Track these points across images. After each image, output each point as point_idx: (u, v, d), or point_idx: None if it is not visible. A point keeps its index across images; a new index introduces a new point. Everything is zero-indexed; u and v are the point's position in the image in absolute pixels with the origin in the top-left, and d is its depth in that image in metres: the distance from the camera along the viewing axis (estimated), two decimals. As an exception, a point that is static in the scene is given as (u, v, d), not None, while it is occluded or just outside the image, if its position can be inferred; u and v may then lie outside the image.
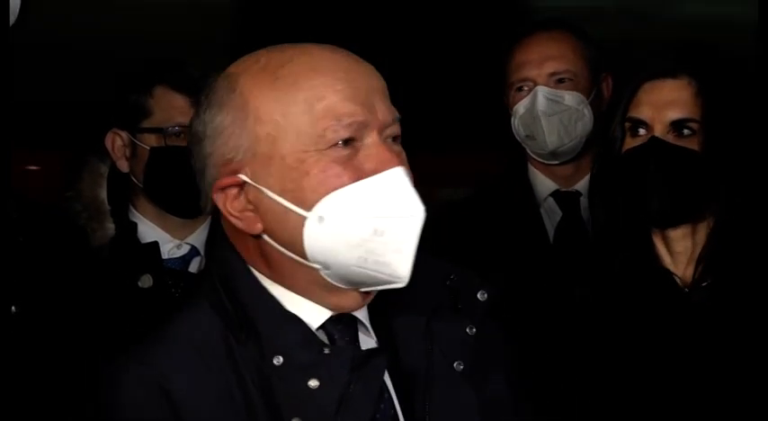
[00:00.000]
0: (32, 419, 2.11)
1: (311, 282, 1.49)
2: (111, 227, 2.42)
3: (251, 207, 1.48)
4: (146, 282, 2.34)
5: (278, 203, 1.46)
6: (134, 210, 2.49)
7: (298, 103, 1.45)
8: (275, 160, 1.45)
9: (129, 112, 2.44)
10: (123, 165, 2.46)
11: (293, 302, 1.50)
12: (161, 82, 2.42)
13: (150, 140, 2.42)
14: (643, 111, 2.14)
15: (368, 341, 1.54)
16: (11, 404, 2.00)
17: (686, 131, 2.11)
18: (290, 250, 1.47)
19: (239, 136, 1.47)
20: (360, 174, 1.45)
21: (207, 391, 1.44)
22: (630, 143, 2.15)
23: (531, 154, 2.93)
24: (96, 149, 2.48)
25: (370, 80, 1.49)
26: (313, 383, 1.43)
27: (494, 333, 1.63)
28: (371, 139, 1.46)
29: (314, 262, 1.46)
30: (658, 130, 2.12)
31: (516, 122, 2.91)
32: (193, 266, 2.47)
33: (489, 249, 2.74)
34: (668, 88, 2.14)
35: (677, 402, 2.08)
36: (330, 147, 1.44)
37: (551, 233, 2.86)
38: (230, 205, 1.49)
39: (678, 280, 2.15)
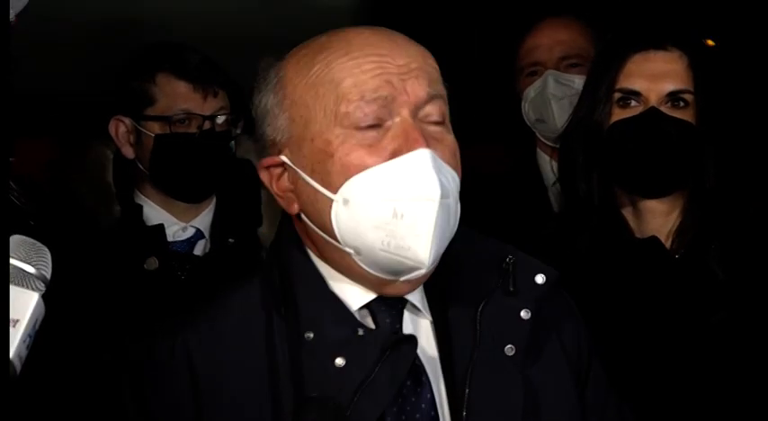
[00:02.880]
0: (40, 398, 2.16)
1: (351, 269, 1.51)
2: (117, 209, 2.43)
3: (291, 187, 1.52)
4: (151, 264, 2.36)
5: (310, 185, 1.49)
6: (139, 194, 2.50)
7: (326, 83, 1.48)
8: (306, 142, 1.50)
9: (133, 100, 2.44)
10: (128, 152, 2.47)
11: (338, 281, 1.53)
12: (163, 69, 2.42)
13: (155, 128, 2.42)
14: (636, 82, 2.15)
15: (420, 323, 1.56)
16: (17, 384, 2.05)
17: (681, 103, 2.13)
18: (324, 232, 1.50)
19: (279, 118, 1.53)
20: (384, 157, 1.46)
21: (233, 365, 1.49)
22: (621, 114, 2.16)
23: (541, 137, 2.96)
24: (100, 134, 2.49)
25: (406, 59, 1.49)
26: (339, 362, 1.46)
27: (557, 317, 1.64)
28: (400, 118, 1.47)
29: (345, 245, 1.49)
30: (653, 101, 2.13)
31: (526, 106, 2.94)
32: (198, 249, 2.48)
33: (496, 233, 2.75)
34: (661, 60, 2.16)
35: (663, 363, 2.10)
36: (356, 128, 1.46)
37: (559, 217, 2.85)
38: (276, 184, 1.55)
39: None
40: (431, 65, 1.53)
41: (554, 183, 2.90)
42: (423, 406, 1.51)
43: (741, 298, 2.10)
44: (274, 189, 1.56)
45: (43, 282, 1.34)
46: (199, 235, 2.49)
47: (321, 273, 1.54)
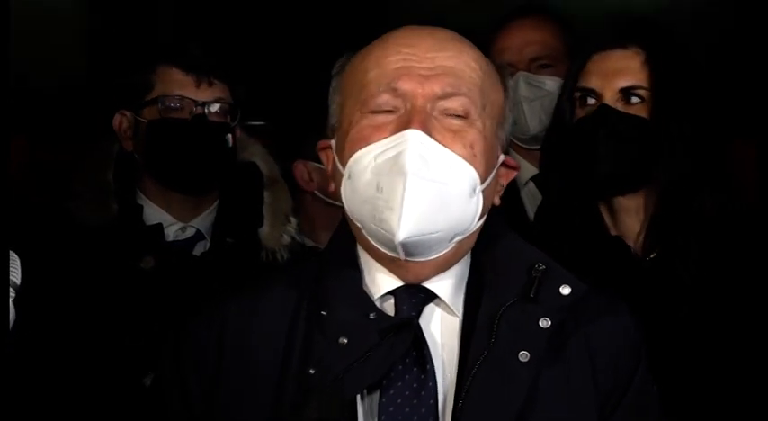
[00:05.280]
0: (39, 396, 2.15)
1: (368, 246, 1.60)
2: (114, 207, 2.40)
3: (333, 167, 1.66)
4: (147, 263, 2.34)
5: (337, 164, 1.62)
6: (140, 194, 2.46)
7: (359, 72, 1.60)
8: (339, 124, 1.64)
9: (133, 91, 2.43)
10: (128, 145, 2.46)
11: (371, 267, 1.62)
12: (164, 61, 2.43)
13: (150, 114, 2.41)
14: (592, 80, 2.18)
15: (448, 319, 1.62)
16: (15, 380, 2.04)
17: (634, 99, 2.15)
18: (345, 208, 1.60)
19: (333, 104, 1.66)
20: (384, 137, 1.55)
21: (257, 338, 1.59)
22: (580, 113, 2.19)
23: (513, 139, 2.93)
24: (107, 132, 2.48)
25: (434, 54, 1.57)
26: (342, 340, 1.53)
27: (597, 334, 1.63)
28: (411, 106, 1.55)
29: (353, 219, 1.59)
30: (608, 98, 2.15)
31: (498, 107, 2.93)
32: (197, 250, 2.45)
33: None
34: (616, 57, 2.18)
35: None
36: (370, 112, 1.56)
37: (532, 217, 2.84)
38: (330, 165, 1.67)
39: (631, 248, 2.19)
40: (467, 64, 1.59)
41: (526, 184, 2.93)
42: (422, 393, 1.55)
43: (705, 294, 2.10)
44: (329, 169, 1.67)
45: (13, 289, 1.34)
46: (199, 236, 2.48)
47: (359, 258, 1.63)
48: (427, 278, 1.60)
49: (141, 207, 2.42)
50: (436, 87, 1.55)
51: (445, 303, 1.61)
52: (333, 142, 1.64)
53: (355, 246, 1.64)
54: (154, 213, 2.43)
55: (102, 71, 3.30)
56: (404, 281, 1.60)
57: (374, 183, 1.53)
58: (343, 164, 1.58)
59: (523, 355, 1.55)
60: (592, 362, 1.61)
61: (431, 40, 1.59)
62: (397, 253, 1.54)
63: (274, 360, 1.56)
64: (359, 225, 1.58)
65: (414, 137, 1.52)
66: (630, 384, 1.63)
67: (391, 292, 1.60)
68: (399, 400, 1.54)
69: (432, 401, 1.55)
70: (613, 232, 2.21)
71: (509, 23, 2.98)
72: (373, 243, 1.57)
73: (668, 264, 2.12)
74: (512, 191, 2.89)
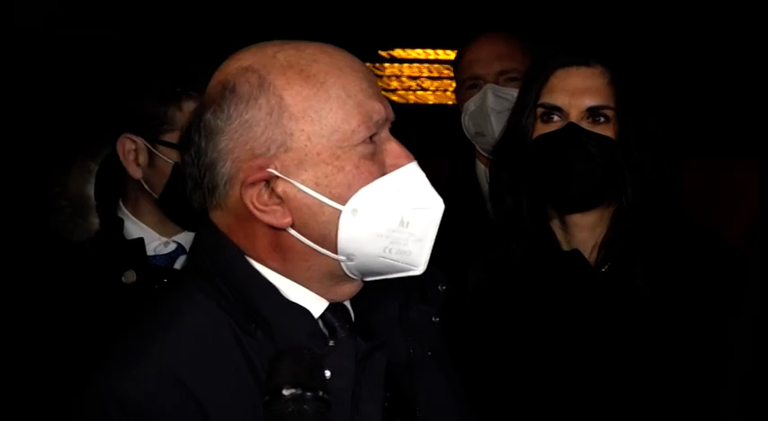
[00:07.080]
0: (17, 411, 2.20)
1: (321, 273, 1.58)
2: (95, 222, 2.38)
3: (278, 201, 1.54)
4: (129, 277, 2.32)
5: (312, 198, 1.53)
6: (122, 208, 2.44)
7: (330, 100, 1.53)
8: (310, 156, 1.52)
9: (151, 121, 2.33)
10: (135, 172, 2.36)
11: (293, 291, 1.58)
12: (192, 96, 2.29)
13: (173, 155, 2.30)
14: (558, 97, 2.19)
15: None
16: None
17: (601, 118, 2.17)
18: (318, 243, 1.56)
19: (272, 131, 1.52)
20: (383, 169, 1.57)
21: (221, 376, 1.52)
22: (543, 129, 2.20)
23: (480, 150, 3.03)
24: (86, 147, 2.45)
25: (373, 79, 1.60)
26: (326, 373, 1.52)
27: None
28: (384, 134, 1.59)
29: (341, 254, 1.56)
30: (574, 117, 2.17)
31: (466, 119, 3.01)
32: (179, 264, 2.42)
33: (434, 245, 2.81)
34: (583, 75, 2.20)
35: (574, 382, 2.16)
36: (360, 143, 1.55)
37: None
38: (257, 198, 1.54)
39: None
40: None
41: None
42: (385, 404, 1.61)
43: (662, 312, 2.15)
44: (254, 203, 1.54)
45: None
46: (180, 250, 2.42)
47: (274, 284, 1.57)
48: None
49: (122, 221, 2.40)
50: (390, 110, 1.59)
51: (351, 315, 1.65)
52: (275, 172, 1.52)
53: (261, 274, 1.57)
54: (135, 228, 2.40)
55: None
56: (330, 299, 1.59)
57: (397, 218, 1.54)
58: (339, 199, 1.52)
59: (430, 351, 1.68)
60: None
61: (359, 61, 1.60)
62: (377, 277, 1.60)
63: (254, 403, 1.50)
64: (343, 257, 1.54)
65: (420, 170, 1.58)
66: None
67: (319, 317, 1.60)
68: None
69: (386, 404, 1.61)
70: (565, 247, 2.24)
71: (479, 37, 3.03)
72: (348, 273, 1.57)
73: (623, 276, 2.17)
74: (477, 203, 2.98)
